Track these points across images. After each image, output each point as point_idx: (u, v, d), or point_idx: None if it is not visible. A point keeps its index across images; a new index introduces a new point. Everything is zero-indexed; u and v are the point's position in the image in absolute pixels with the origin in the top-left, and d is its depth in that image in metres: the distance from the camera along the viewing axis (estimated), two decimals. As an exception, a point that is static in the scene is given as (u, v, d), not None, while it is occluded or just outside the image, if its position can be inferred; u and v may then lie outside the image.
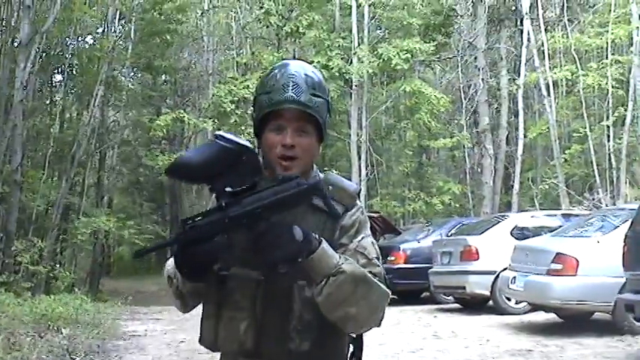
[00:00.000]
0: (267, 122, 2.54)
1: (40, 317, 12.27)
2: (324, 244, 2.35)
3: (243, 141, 2.37)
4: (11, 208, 19.32)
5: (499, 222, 15.78)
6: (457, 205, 28.87)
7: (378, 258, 2.54)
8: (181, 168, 2.41)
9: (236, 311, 2.45)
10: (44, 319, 12.16)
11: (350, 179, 3.23)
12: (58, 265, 21.42)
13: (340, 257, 2.39)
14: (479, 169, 29.18)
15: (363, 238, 2.55)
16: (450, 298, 16.47)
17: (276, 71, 2.57)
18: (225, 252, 2.33)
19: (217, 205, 2.33)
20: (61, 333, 11.31)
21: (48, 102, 27.25)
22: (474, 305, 15.30)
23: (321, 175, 2.62)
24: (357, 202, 2.63)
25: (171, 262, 2.54)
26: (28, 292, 17.16)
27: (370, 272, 2.44)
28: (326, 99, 2.58)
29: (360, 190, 2.83)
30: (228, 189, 2.33)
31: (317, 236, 2.35)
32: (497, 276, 13.98)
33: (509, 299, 13.99)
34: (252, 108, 2.66)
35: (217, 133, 2.42)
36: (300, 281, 2.40)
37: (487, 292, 14.47)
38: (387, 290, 2.48)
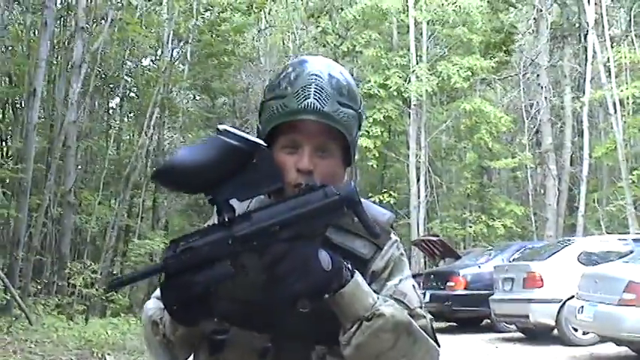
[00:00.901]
0: (278, 137, 1.96)
1: (85, 343, 11.93)
2: (358, 277, 1.82)
3: (254, 138, 1.85)
4: (65, 229, 19.16)
5: (565, 246, 15.03)
6: (519, 228, 28.18)
7: (422, 307, 1.97)
8: (172, 171, 1.81)
9: None
10: (89, 344, 11.81)
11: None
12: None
13: (378, 296, 1.85)
14: (542, 191, 28.62)
15: (400, 280, 1.98)
16: (513, 326, 15.75)
17: (290, 70, 1.98)
18: (227, 282, 1.78)
19: (219, 221, 1.80)
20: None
21: (104, 124, 27.28)
22: (537, 335, 14.57)
23: None
24: (392, 235, 2.06)
25: (154, 301, 2.05)
26: (81, 315, 16.90)
27: None
28: (357, 110, 2.00)
29: (395, 219, 2.13)
30: (233, 201, 1.82)
31: (349, 265, 1.81)
32: (563, 304, 13.36)
33: (576, 330, 13.29)
34: (257, 119, 2.07)
35: (221, 126, 1.83)
36: (318, 346, 1.89)
37: (552, 322, 13.81)
38: (437, 346, 1.93)
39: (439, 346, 1.94)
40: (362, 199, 1.98)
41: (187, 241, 1.78)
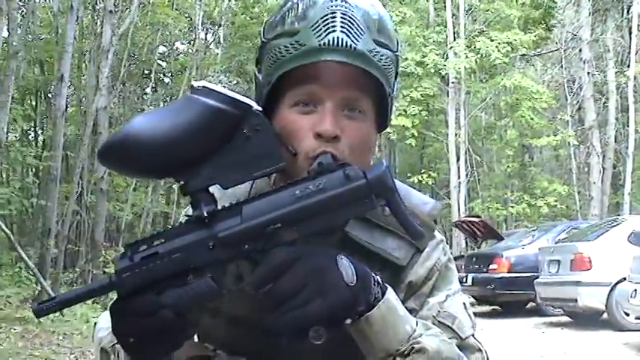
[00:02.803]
0: (286, 90, 1.41)
1: (116, 334, 11.65)
2: (391, 295, 1.30)
3: (242, 97, 1.27)
4: (98, 217, 18.90)
5: (614, 226, 14.47)
6: (563, 207, 27.66)
7: (474, 333, 1.45)
8: (123, 147, 1.24)
9: None
10: (120, 336, 11.52)
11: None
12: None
13: (417, 322, 1.32)
14: (585, 169, 27.97)
15: (447, 297, 1.45)
16: (559, 310, 15.23)
17: (296, 0, 1.41)
18: (209, 304, 1.30)
19: (194, 215, 1.27)
20: (137, 352, 10.60)
21: (138, 109, 27.12)
22: (586, 319, 14.05)
23: None
24: (436, 233, 1.51)
25: (106, 319, 1.43)
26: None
27: None
28: (395, 52, 1.42)
29: (440, 208, 1.57)
30: (214, 187, 1.28)
31: (379, 278, 1.29)
32: (614, 287, 12.90)
33: (627, 314, 12.78)
34: (255, 68, 1.50)
35: (197, 83, 1.27)
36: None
37: (602, 306, 13.31)
38: None
39: None
40: (398, 183, 1.39)
41: (150, 244, 1.26)
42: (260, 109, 1.29)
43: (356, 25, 1.34)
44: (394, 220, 1.34)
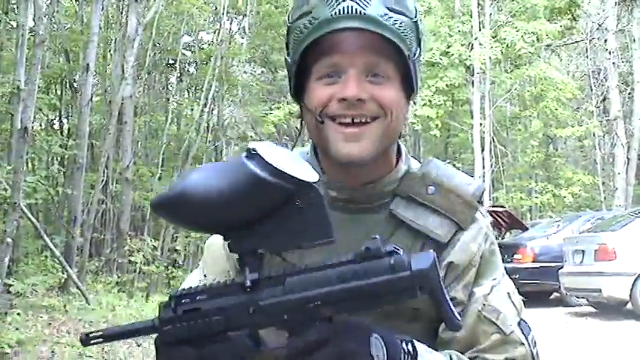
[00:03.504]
0: (311, 66, 1.47)
1: (142, 321, 11.69)
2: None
3: (301, 170, 1.30)
4: (124, 206, 18.99)
5: (638, 217, 14.37)
6: (587, 197, 27.54)
7: (520, 322, 1.51)
8: (178, 204, 1.30)
9: None
10: (145, 323, 11.56)
11: (472, 176, 1.65)
12: (173, 265, 21.14)
13: None
14: (610, 160, 27.77)
15: (492, 288, 1.50)
16: (583, 300, 15.18)
17: None
18: None
19: (238, 281, 1.34)
20: (162, 341, 10.63)
21: (163, 99, 27.22)
22: (610, 310, 14.01)
23: (417, 166, 1.57)
24: (479, 214, 1.55)
25: None
26: (142, 293, 16.78)
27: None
28: (413, 19, 1.47)
29: (484, 191, 1.61)
30: (260, 251, 1.34)
31: (410, 348, 1.34)
32: (638, 278, 12.95)
33: (651, 304, 12.70)
34: (285, 52, 1.57)
35: (253, 145, 1.31)
36: None
37: (626, 296, 13.27)
38: None
39: None
40: (443, 164, 1.55)
41: (193, 298, 1.33)
42: (315, 180, 1.31)
43: None
44: (437, 199, 1.44)
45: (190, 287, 1.36)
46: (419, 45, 1.50)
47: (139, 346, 10.10)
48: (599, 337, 11.44)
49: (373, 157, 1.47)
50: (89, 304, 12.91)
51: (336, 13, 1.40)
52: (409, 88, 1.50)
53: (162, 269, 19.12)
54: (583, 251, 14.14)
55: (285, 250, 1.38)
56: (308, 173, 1.31)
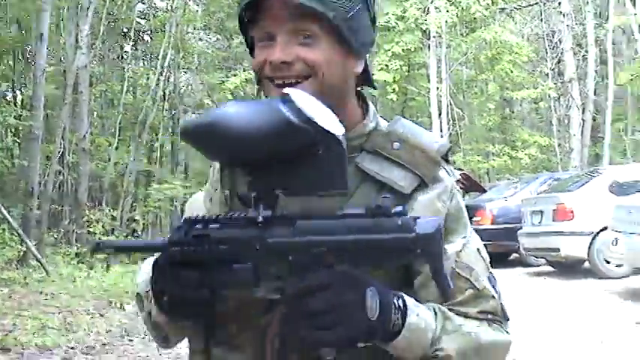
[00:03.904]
0: (253, 31, 1.54)
1: (104, 292, 11.64)
2: (411, 316, 1.40)
3: (328, 121, 1.35)
4: (81, 177, 18.85)
5: (594, 177, 14.57)
6: (544, 158, 27.86)
7: (490, 277, 1.56)
8: (211, 130, 1.34)
9: (232, 352, 1.56)
10: (107, 294, 11.51)
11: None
12: (132, 235, 21.04)
13: (436, 319, 1.46)
14: (565, 121, 28.06)
15: (464, 245, 1.54)
16: (542, 260, 15.38)
17: None
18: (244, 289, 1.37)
19: (250, 213, 1.36)
20: (124, 310, 10.57)
21: (118, 68, 26.92)
22: (568, 268, 14.23)
23: (385, 124, 1.59)
24: (445, 173, 1.58)
25: (147, 268, 1.58)
26: (102, 264, 16.64)
27: (481, 312, 1.51)
28: None
29: (450, 149, 1.65)
30: (278, 191, 1.38)
31: (400, 302, 1.39)
32: (595, 237, 13.06)
33: (608, 262, 12.91)
34: None
35: (288, 90, 1.37)
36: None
37: (584, 255, 13.45)
38: (508, 338, 1.56)
39: (509, 332, 1.57)
40: (410, 122, 1.57)
41: (205, 225, 1.37)
42: (340, 134, 1.36)
43: None
44: (402, 153, 1.48)
45: (204, 215, 1.40)
46: (368, 7, 1.54)
47: (101, 316, 10.06)
48: (558, 296, 11.61)
49: None
50: (49, 276, 12.82)
51: None
52: (350, 45, 1.52)
53: (122, 239, 18.96)
54: (541, 212, 14.29)
55: (300, 194, 1.40)
56: (334, 125, 1.35)
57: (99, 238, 17.46)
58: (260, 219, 1.34)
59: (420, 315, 1.41)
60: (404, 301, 1.39)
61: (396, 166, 1.52)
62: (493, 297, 1.54)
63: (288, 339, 1.47)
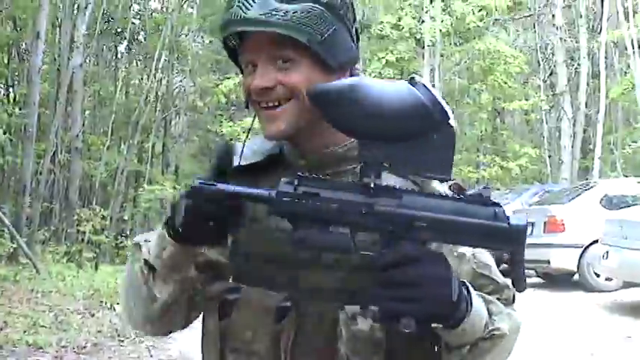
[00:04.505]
0: (240, 60, 1.64)
1: (94, 292, 11.62)
2: (476, 302, 1.46)
3: (446, 106, 1.39)
4: (73, 176, 18.86)
5: (586, 190, 14.65)
6: (534, 170, 27.96)
7: (500, 271, 1.63)
8: (349, 97, 1.37)
9: (245, 356, 1.59)
10: (97, 294, 11.49)
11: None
12: (121, 235, 21.02)
13: (487, 307, 1.52)
14: (556, 133, 28.12)
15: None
16: (532, 272, 15.41)
17: None
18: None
19: (363, 181, 1.39)
20: (114, 310, 10.55)
21: (112, 68, 26.89)
22: (558, 281, 14.27)
23: None
24: (436, 181, 1.64)
25: (144, 237, 1.68)
26: (91, 263, 16.62)
27: (502, 300, 1.60)
28: (318, 2, 1.54)
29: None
30: (386, 164, 1.41)
31: (465, 290, 1.44)
32: (586, 250, 13.10)
33: (598, 275, 12.97)
34: None
35: (417, 77, 1.41)
36: (349, 305, 1.52)
37: (574, 268, 13.49)
38: (519, 321, 1.62)
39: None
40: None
41: (314, 185, 1.40)
42: (453, 119, 1.40)
43: None
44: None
45: (313, 174, 1.42)
46: (343, 21, 1.58)
47: (92, 315, 10.05)
48: (547, 308, 11.65)
49: (294, 133, 1.59)
50: (39, 274, 12.80)
51: (228, 19, 1.53)
52: (330, 64, 1.57)
53: (111, 239, 18.99)
54: (532, 223, 14.28)
55: (405, 173, 1.47)
56: (451, 114, 1.40)
57: (89, 238, 17.46)
58: (372, 185, 1.37)
59: (479, 304, 1.47)
60: (467, 287, 1.45)
61: (393, 173, 1.53)
62: (507, 286, 1.60)
63: (303, 344, 1.52)
